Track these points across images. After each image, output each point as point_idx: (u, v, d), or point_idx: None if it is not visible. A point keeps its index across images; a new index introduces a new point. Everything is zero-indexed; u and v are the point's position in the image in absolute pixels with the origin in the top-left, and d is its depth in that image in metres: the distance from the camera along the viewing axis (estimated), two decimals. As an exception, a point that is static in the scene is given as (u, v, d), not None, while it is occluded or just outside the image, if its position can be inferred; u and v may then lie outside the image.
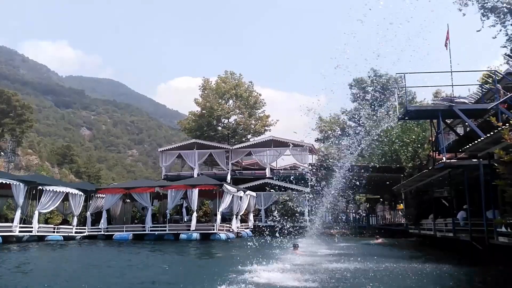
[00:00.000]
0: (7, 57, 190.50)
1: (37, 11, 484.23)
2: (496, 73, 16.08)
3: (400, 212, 27.68)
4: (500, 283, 9.21)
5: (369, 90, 45.22)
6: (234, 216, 28.03)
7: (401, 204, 27.95)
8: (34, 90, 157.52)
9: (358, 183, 21.44)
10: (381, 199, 29.02)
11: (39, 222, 24.08)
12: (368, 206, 35.64)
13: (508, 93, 14.59)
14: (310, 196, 30.39)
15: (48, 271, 11.79)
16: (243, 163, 42.98)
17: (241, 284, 7.95)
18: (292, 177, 31.49)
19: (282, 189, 33.13)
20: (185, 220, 27.77)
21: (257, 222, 32.76)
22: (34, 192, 23.57)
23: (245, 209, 30.39)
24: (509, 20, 26.56)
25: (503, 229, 10.35)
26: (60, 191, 24.67)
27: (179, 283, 9.04)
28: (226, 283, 8.00)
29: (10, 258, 15.13)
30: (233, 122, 48.20)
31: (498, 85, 15.29)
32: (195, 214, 25.26)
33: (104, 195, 27.36)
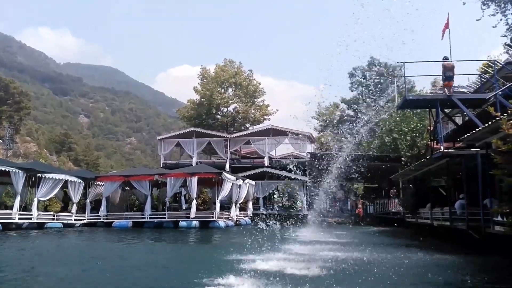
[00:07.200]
0: (4, 44, 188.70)
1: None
2: (495, 62, 16.07)
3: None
4: (496, 272, 9.31)
5: (368, 79, 45.09)
6: (233, 204, 28.20)
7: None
8: (31, 77, 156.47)
9: (356, 172, 21.49)
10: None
11: (38, 209, 24.19)
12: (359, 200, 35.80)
13: (507, 83, 14.59)
14: (308, 185, 30.52)
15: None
16: (242, 152, 43.03)
17: (241, 272, 8.03)
18: (291, 165, 31.56)
19: (281, 178, 33.25)
20: (184, 208, 27.92)
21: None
22: (33, 179, 23.62)
23: (244, 197, 30.56)
24: (509, 9, 26.35)
25: (500, 218, 10.45)
26: (59, 179, 24.77)
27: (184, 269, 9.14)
28: (229, 271, 8.07)
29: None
30: (232, 110, 48.12)
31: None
32: (194, 202, 25.39)
33: (104, 183, 27.49)
